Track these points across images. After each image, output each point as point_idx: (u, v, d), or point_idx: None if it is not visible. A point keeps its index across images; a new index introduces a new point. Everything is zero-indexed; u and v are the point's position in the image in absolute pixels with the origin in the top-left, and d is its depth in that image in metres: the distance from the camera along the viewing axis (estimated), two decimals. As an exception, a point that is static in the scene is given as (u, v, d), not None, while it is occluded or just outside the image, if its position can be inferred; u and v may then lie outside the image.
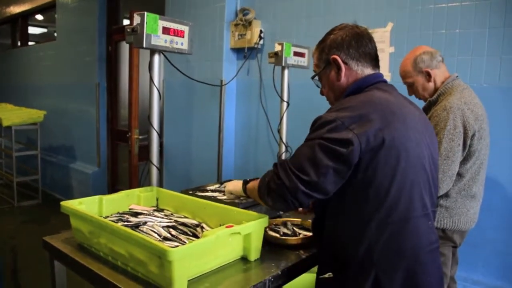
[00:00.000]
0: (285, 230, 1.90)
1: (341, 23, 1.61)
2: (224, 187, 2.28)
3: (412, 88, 2.34)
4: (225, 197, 2.07)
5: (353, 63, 1.53)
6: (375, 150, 1.33)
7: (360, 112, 1.37)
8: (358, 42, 1.53)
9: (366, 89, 1.51)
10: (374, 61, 1.57)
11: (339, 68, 1.54)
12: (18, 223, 5.46)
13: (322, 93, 1.68)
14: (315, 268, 1.60)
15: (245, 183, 1.82)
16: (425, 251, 1.43)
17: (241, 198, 1.99)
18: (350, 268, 1.41)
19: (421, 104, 2.32)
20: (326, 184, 1.36)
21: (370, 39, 1.56)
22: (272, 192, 1.46)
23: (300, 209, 1.87)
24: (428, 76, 2.26)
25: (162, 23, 2.11)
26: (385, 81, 1.57)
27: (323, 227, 1.52)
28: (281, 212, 2.19)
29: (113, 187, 5.89)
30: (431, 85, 2.27)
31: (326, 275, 1.49)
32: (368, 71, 1.55)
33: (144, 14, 2.03)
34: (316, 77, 1.65)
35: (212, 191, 2.24)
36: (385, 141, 1.34)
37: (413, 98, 2.30)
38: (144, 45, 2.05)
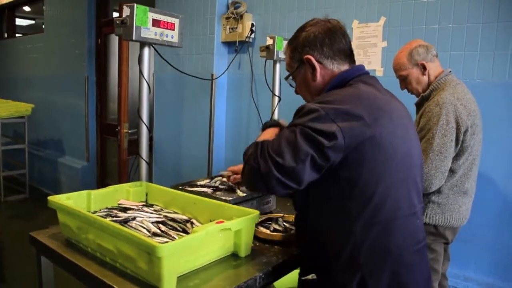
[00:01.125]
0: (276, 226, 1.88)
1: (329, 16, 1.54)
2: (215, 182, 2.24)
3: (405, 81, 2.31)
4: (218, 193, 2.03)
5: (328, 62, 1.48)
6: (361, 147, 1.28)
7: (346, 106, 1.31)
8: (332, 39, 1.47)
9: (351, 81, 1.45)
10: (349, 57, 1.51)
11: (313, 68, 1.48)
12: (4, 218, 5.38)
13: (297, 92, 1.62)
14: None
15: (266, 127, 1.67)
16: (411, 251, 1.40)
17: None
18: (335, 269, 1.37)
19: (413, 99, 2.31)
20: (302, 172, 1.28)
21: (343, 34, 1.50)
22: (247, 175, 1.41)
23: None
24: (423, 69, 2.24)
25: (152, 15, 2.08)
26: (367, 73, 1.52)
27: (305, 226, 1.48)
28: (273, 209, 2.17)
29: (102, 182, 5.84)
30: (425, 78, 2.25)
31: (309, 277, 1.45)
32: (345, 67, 1.50)
33: (133, 6, 2.00)
34: (290, 77, 1.59)
35: (202, 186, 2.21)
36: (372, 138, 1.29)
37: (404, 93, 2.29)
38: (133, 38, 2.02)
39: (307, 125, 1.29)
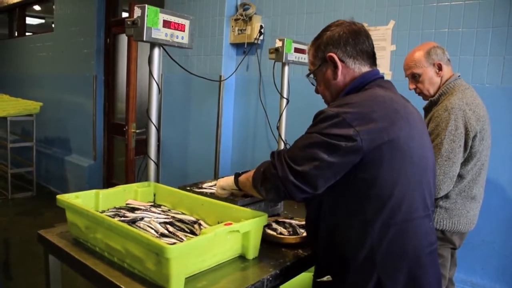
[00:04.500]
0: (284, 229, 1.87)
1: (353, 18, 1.57)
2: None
3: (417, 80, 2.27)
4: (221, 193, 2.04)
5: (350, 61, 1.49)
6: (379, 149, 1.30)
7: (363, 109, 1.33)
8: (356, 40, 1.49)
9: (367, 86, 1.47)
10: (371, 59, 1.53)
11: (335, 66, 1.50)
12: (11, 215, 5.42)
13: (317, 91, 1.64)
14: (314, 268, 1.57)
15: (237, 175, 1.78)
16: (426, 252, 1.41)
17: (234, 194, 1.94)
18: (351, 271, 1.38)
19: (420, 103, 2.30)
20: (317, 178, 1.32)
21: (367, 36, 1.52)
22: (267, 181, 1.44)
23: None
24: (439, 69, 2.22)
25: (162, 16, 2.09)
26: (382, 77, 1.54)
27: (318, 228, 1.49)
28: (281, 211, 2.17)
29: (108, 181, 5.86)
30: (438, 80, 2.23)
31: (325, 278, 1.46)
32: (366, 69, 1.51)
33: (145, 7, 2.00)
34: (311, 75, 1.61)
35: (210, 187, 2.21)
36: (390, 141, 1.31)
37: (412, 98, 2.28)
38: (144, 38, 2.02)
39: (324, 132, 1.31)
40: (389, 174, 1.32)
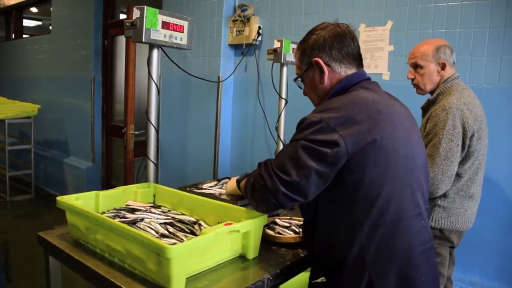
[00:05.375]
0: (283, 228, 1.88)
1: (339, 20, 1.57)
2: (222, 185, 2.26)
3: (417, 71, 2.26)
4: (224, 196, 2.04)
5: (336, 65, 1.50)
6: (363, 151, 1.31)
7: (346, 113, 1.34)
8: (341, 43, 1.50)
9: (351, 88, 1.48)
10: (357, 61, 1.54)
11: (321, 71, 1.51)
12: (10, 218, 5.41)
13: (305, 93, 1.65)
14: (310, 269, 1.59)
15: (238, 181, 1.78)
16: (418, 251, 1.41)
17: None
18: (343, 272, 1.39)
19: (418, 103, 2.31)
20: (307, 186, 1.33)
21: (353, 38, 1.52)
22: (255, 193, 1.46)
23: None
24: (442, 69, 2.22)
25: (161, 18, 2.09)
26: (369, 79, 1.55)
27: (314, 231, 1.50)
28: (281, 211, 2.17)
29: (107, 183, 5.86)
30: (437, 79, 2.24)
31: (319, 280, 1.47)
32: (352, 71, 1.52)
33: (143, 8, 2.01)
34: (299, 79, 1.62)
35: (209, 188, 2.22)
36: (374, 142, 1.32)
37: (410, 98, 2.29)
38: (143, 40, 2.03)
39: (308, 138, 1.33)
40: (375, 175, 1.33)
